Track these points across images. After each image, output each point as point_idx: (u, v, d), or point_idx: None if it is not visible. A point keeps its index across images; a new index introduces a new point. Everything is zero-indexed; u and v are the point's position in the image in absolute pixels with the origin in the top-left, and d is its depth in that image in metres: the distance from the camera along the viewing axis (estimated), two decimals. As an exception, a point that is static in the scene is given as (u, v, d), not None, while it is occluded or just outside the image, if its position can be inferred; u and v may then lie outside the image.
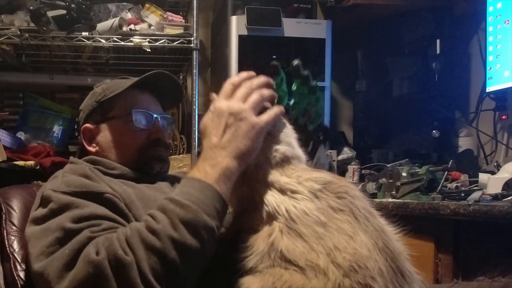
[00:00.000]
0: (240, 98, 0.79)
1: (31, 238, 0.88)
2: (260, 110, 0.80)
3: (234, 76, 0.83)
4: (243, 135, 0.77)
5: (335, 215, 0.73)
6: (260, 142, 0.79)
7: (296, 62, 0.85)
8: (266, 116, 0.80)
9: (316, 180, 0.76)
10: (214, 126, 0.79)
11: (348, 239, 0.70)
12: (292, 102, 0.88)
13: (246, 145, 0.77)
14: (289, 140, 0.84)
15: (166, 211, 0.74)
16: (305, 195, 0.75)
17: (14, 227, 1.07)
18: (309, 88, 0.87)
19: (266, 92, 0.81)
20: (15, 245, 1.03)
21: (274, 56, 2.14)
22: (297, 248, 0.71)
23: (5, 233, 1.05)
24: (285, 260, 0.71)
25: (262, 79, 0.82)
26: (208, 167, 0.77)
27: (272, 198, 0.77)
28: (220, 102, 0.80)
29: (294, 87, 0.88)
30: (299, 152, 0.85)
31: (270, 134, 0.82)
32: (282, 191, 0.77)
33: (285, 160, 0.81)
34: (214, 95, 0.83)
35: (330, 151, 2.13)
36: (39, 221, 0.88)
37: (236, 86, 0.81)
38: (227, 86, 0.82)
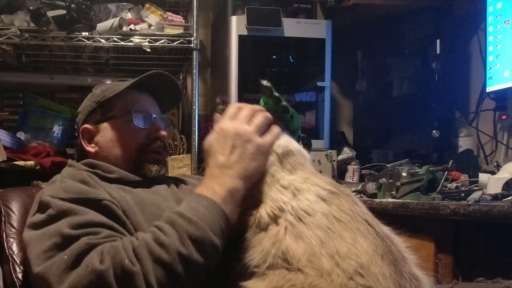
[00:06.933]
0: (245, 120, 0.82)
1: (29, 242, 0.88)
2: (263, 131, 0.84)
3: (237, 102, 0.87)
4: (250, 156, 0.80)
5: (336, 222, 0.73)
6: (265, 163, 0.82)
7: (265, 83, 0.86)
8: (270, 137, 0.83)
9: (323, 186, 0.77)
10: (220, 145, 0.81)
11: (349, 245, 0.70)
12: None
13: (253, 166, 0.80)
14: (289, 139, 0.86)
15: (175, 225, 0.75)
16: (312, 197, 0.76)
17: (13, 229, 1.07)
18: (281, 108, 0.88)
19: (268, 114, 0.85)
20: (14, 247, 1.03)
21: (274, 57, 2.15)
22: (299, 249, 0.71)
23: (4, 235, 1.05)
24: (287, 261, 0.71)
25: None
26: (215, 186, 0.79)
27: (278, 196, 0.77)
28: (225, 123, 0.83)
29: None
30: (302, 149, 0.87)
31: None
32: (289, 189, 0.78)
33: (290, 154, 0.83)
34: (218, 115, 0.86)
35: (330, 151, 2.14)
36: (37, 226, 0.88)
37: (240, 109, 0.84)
38: (232, 108, 0.85)
